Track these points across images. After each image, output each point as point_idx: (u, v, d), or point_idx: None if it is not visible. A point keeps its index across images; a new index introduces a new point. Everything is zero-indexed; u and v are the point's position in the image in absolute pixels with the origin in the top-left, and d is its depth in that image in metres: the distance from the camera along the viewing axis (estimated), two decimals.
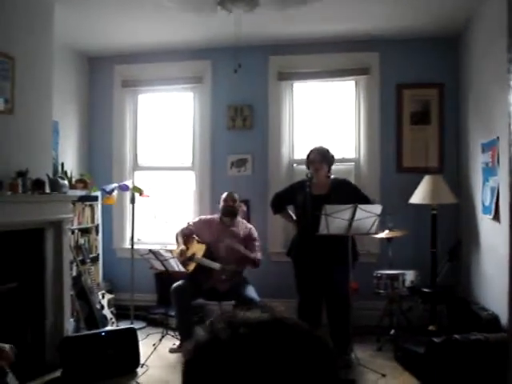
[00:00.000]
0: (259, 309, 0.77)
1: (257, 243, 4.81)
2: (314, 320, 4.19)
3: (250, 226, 4.94)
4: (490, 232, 4.30)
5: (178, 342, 4.64)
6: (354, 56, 5.47)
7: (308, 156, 4.41)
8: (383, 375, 3.91)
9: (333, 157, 4.43)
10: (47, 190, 4.10)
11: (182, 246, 4.74)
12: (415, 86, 5.38)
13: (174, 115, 6.04)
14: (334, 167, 4.51)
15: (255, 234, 4.87)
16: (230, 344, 0.69)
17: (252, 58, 5.52)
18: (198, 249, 4.74)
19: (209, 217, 5.04)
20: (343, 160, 5.51)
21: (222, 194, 4.96)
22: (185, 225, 4.99)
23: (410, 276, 4.68)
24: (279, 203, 4.64)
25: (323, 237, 3.99)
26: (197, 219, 5.03)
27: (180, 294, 4.51)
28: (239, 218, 4.96)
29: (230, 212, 4.82)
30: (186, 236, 4.87)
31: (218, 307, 4.78)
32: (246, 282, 4.69)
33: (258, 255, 4.74)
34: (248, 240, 4.78)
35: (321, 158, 4.34)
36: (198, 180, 5.86)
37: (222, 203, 4.88)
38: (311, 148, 4.46)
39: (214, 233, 4.79)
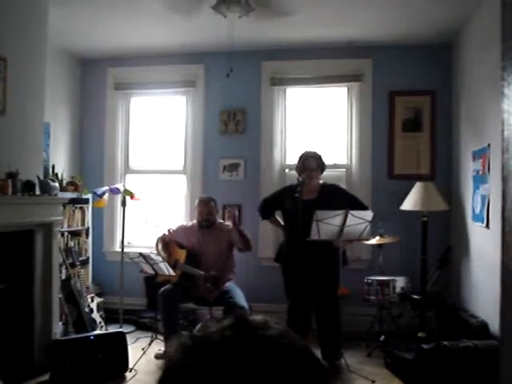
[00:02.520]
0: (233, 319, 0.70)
1: (243, 231, 4.58)
2: (303, 325, 4.19)
3: (229, 224, 4.72)
4: (480, 240, 4.32)
5: (163, 348, 4.60)
6: (347, 62, 5.49)
7: (302, 162, 4.36)
8: (373, 382, 3.91)
9: (325, 163, 4.44)
10: (37, 192, 4.07)
11: (163, 253, 4.70)
12: (407, 93, 5.41)
13: (166, 119, 6.03)
14: (325, 173, 4.51)
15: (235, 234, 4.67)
16: (194, 369, 0.63)
17: (245, 63, 5.53)
18: (179, 255, 4.69)
19: (188, 224, 4.95)
20: (335, 166, 5.53)
21: (196, 201, 4.87)
22: (165, 232, 4.91)
23: (400, 282, 4.70)
24: (267, 209, 4.61)
25: (312, 242, 3.98)
26: (176, 227, 4.92)
27: (167, 299, 4.49)
28: (217, 220, 4.84)
29: (206, 226, 4.73)
30: (166, 243, 4.81)
31: (209, 311, 4.77)
32: (235, 288, 4.65)
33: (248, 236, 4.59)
34: (233, 233, 4.58)
35: (317, 164, 4.33)
36: (190, 184, 5.84)
37: (196, 214, 4.79)
38: (304, 153, 4.42)
39: (195, 240, 4.73)
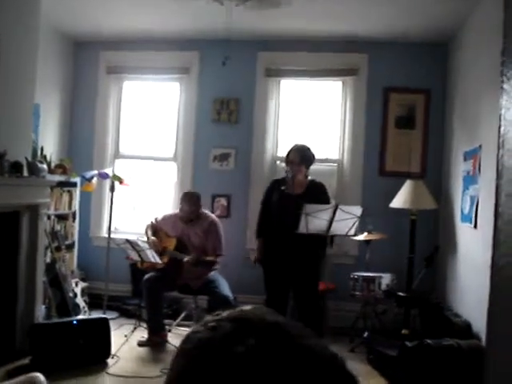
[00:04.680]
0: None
1: (218, 236, 4.64)
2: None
3: (212, 217, 4.75)
4: (467, 240, 4.34)
5: (146, 335, 4.58)
6: (343, 56, 5.46)
7: (287, 155, 4.30)
8: None
9: (313, 156, 4.30)
10: (25, 174, 4.02)
11: (153, 238, 4.68)
12: (402, 90, 5.40)
13: (158, 105, 5.97)
14: (316, 167, 4.48)
15: (217, 227, 4.69)
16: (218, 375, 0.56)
17: (241, 53, 5.48)
18: (168, 242, 4.68)
19: (172, 213, 4.92)
20: (326, 160, 5.52)
21: (181, 195, 4.84)
22: (152, 220, 4.88)
23: (386, 279, 4.70)
24: (264, 225, 4.37)
25: (297, 236, 3.94)
26: (161, 216, 4.89)
27: (151, 286, 4.47)
28: (202, 211, 4.78)
29: (190, 220, 4.69)
30: (155, 230, 4.80)
31: (193, 301, 4.75)
32: (219, 277, 4.63)
33: (220, 249, 4.62)
34: (210, 233, 4.65)
35: (300, 159, 4.20)
36: (180, 172, 5.80)
37: (180, 206, 4.75)
38: (292, 146, 4.35)
39: (179, 230, 4.70)
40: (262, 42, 5.53)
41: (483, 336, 3.67)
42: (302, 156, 4.22)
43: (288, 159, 4.26)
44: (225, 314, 0.63)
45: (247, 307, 0.65)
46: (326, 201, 4.20)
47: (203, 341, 0.60)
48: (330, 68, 5.49)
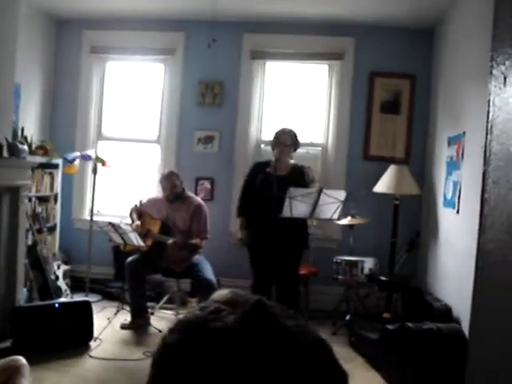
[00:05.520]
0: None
1: (203, 219, 4.64)
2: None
3: (197, 201, 4.73)
4: (449, 225, 4.38)
5: (129, 318, 4.57)
6: (329, 40, 5.43)
7: (277, 137, 4.33)
8: None
9: (299, 142, 4.40)
10: (5, 155, 3.95)
11: (138, 222, 4.64)
12: (388, 75, 5.39)
13: (142, 86, 5.89)
14: (300, 151, 4.50)
15: (203, 210, 4.67)
16: (202, 355, 0.59)
17: (226, 34, 5.42)
18: (152, 225, 4.65)
19: (157, 197, 4.89)
20: (311, 144, 5.51)
21: (160, 176, 4.81)
22: (137, 203, 4.84)
23: (368, 264, 4.74)
24: (245, 204, 4.41)
25: (281, 220, 3.96)
26: (146, 199, 4.85)
27: (134, 269, 4.45)
28: (187, 194, 4.77)
29: (172, 199, 4.65)
30: (140, 213, 4.77)
31: (176, 283, 4.74)
32: (203, 261, 4.62)
33: (205, 232, 4.62)
34: (195, 215, 4.63)
35: (291, 142, 4.29)
36: (163, 154, 5.75)
37: (161, 191, 4.72)
38: (280, 129, 4.39)
39: (164, 212, 4.67)
40: (248, 24, 5.46)
41: (463, 320, 3.73)
42: (292, 139, 4.30)
43: (278, 140, 4.28)
44: (219, 295, 0.66)
45: (225, 291, 0.67)
46: (308, 182, 4.20)
47: (189, 318, 0.64)
48: (316, 51, 5.46)
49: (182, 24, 5.55)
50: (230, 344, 0.58)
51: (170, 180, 4.64)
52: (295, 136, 4.34)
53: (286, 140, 4.27)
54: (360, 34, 5.38)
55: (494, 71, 1.12)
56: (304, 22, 5.32)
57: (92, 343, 4.07)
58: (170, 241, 4.41)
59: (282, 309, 0.64)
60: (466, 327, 3.52)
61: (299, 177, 4.22)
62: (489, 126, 1.13)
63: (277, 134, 4.36)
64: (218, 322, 0.60)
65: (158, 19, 5.53)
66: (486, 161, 1.18)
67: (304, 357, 0.59)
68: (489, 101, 1.15)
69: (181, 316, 0.66)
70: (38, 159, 4.88)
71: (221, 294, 0.67)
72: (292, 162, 4.34)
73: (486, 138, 1.17)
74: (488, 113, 1.16)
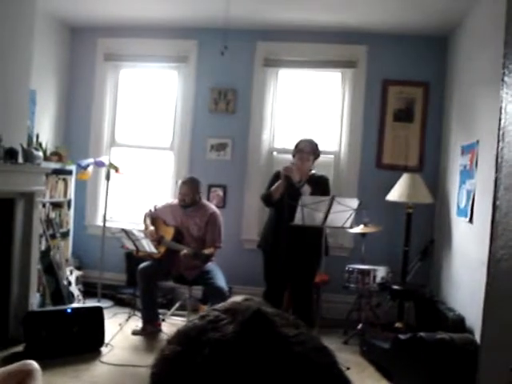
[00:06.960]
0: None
1: (218, 228, 4.63)
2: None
3: (212, 209, 4.71)
4: (462, 234, 4.34)
5: (141, 324, 4.57)
6: (342, 48, 5.43)
7: (297, 145, 4.34)
8: (347, 368, 3.92)
9: (320, 153, 4.40)
10: (20, 160, 3.99)
11: (151, 227, 4.66)
12: (401, 83, 5.37)
13: (156, 93, 5.93)
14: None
15: (218, 219, 4.65)
16: (198, 365, 0.58)
17: (239, 42, 5.44)
18: (166, 232, 4.66)
19: (174, 202, 4.87)
20: (324, 152, 5.49)
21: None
22: (151, 208, 4.85)
23: (381, 272, 4.71)
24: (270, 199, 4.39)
25: (298, 227, 3.96)
26: (161, 205, 4.87)
27: (146, 275, 4.46)
28: (203, 202, 4.77)
29: (184, 206, 4.65)
30: (153, 219, 4.78)
31: (188, 290, 4.75)
32: (215, 268, 4.62)
33: (219, 241, 4.61)
34: (210, 224, 4.61)
35: (311, 149, 4.28)
36: (177, 161, 5.78)
37: (178, 192, 4.74)
38: (302, 138, 4.41)
39: (178, 219, 4.68)
40: (261, 32, 5.49)
41: (476, 331, 3.68)
42: (312, 147, 4.31)
43: (298, 148, 4.30)
44: (221, 304, 0.65)
45: (239, 298, 0.66)
46: (325, 193, 4.19)
47: (187, 328, 0.63)
48: (329, 59, 5.46)
49: (195, 32, 5.59)
50: (228, 355, 0.58)
51: (188, 186, 4.63)
52: (316, 145, 4.35)
53: (305, 147, 4.29)
54: (373, 41, 5.38)
55: (506, 78, 1.12)
56: (317, 30, 5.33)
57: (103, 349, 4.08)
58: (184, 251, 4.39)
59: (283, 317, 0.63)
60: (479, 338, 3.48)
61: (317, 184, 4.23)
62: (500, 132, 1.13)
63: (298, 142, 4.38)
64: (216, 333, 0.59)
65: (171, 27, 5.58)
66: (497, 168, 1.17)
67: (300, 365, 0.58)
68: (500, 108, 1.14)
69: (180, 326, 0.65)
70: (53, 165, 4.93)
71: (235, 300, 0.66)
72: (313, 171, 4.35)
73: (498, 144, 1.16)
74: (500, 120, 1.15)
